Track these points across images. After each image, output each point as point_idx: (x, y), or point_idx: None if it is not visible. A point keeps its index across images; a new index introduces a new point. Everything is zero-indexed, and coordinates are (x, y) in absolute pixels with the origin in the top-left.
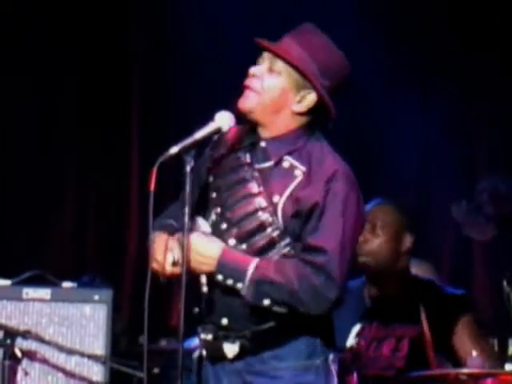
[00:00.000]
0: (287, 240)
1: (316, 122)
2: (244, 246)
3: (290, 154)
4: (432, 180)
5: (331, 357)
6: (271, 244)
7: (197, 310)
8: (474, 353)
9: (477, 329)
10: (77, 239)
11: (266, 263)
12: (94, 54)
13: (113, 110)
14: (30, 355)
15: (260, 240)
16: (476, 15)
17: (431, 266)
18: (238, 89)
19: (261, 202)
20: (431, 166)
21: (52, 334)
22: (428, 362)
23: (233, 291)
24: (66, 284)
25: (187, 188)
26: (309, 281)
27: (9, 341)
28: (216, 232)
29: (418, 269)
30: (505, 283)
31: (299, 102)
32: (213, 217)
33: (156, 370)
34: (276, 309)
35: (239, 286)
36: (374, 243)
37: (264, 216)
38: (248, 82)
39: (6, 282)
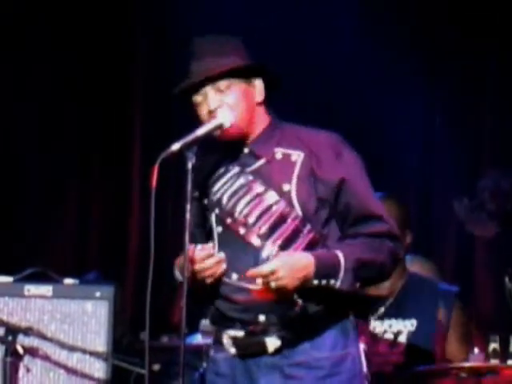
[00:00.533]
0: (308, 226)
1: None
2: (269, 243)
3: (278, 145)
4: (433, 177)
5: (362, 345)
6: (296, 232)
7: (218, 309)
8: (476, 350)
9: (464, 326)
10: (79, 237)
11: (348, 250)
12: (94, 54)
13: (114, 108)
14: (31, 352)
15: (284, 232)
16: (477, 8)
17: (433, 264)
18: None
19: (272, 196)
20: (432, 163)
21: (54, 331)
22: (428, 355)
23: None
24: (68, 281)
25: (189, 184)
26: (387, 249)
27: (10, 338)
28: (235, 239)
29: (420, 267)
30: (507, 280)
31: (256, 91)
32: (219, 229)
33: (157, 367)
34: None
35: (332, 282)
36: None
37: (280, 208)
38: (215, 114)
39: (8, 279)
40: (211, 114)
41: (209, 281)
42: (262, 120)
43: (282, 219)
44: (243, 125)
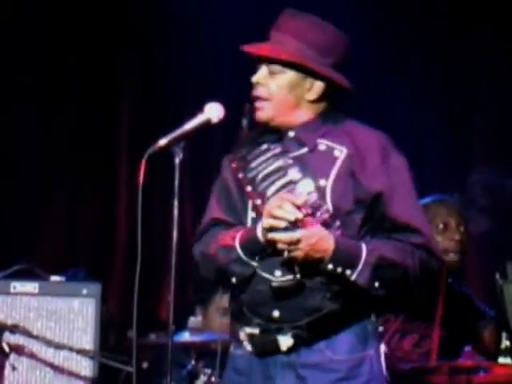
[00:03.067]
0: (338, 223)
1: (336, 102)
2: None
3: (323, 136)
4: (424, 172)
5: (382, 347)
6: (324, 226)
7: (235, 304)
8: (467, 347)
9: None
10: (66, 234)
11: (374, 245)
12: (83, 48)
13: (101, 104)
14: (17, 350)
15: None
16: (468, 6)
17: None
18: (233, 82)
19: (307, 185)
20: (423, 159)
21: (40, 329)
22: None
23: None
24: (54, 278)
25: (176, 180)
26: (418, 257)
27: None
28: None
29: None
30: (498, 276)
31: (310, 90)
32: (253, 214)
33: (145, 365)
34: (378, 291)
35: (348, 273)
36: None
37: (311, 200)
38: (255, 92)
39: None
40: (253, 85)
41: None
42: (306, 114)
43: (311, 210)
44: (277, 116)
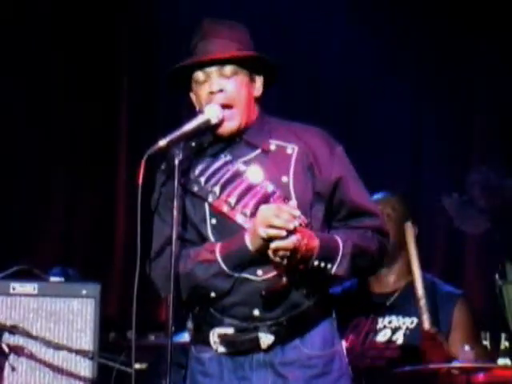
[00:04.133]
0: (308, 219)
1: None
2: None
3: (271, 136)
4: (423, 172)
5: (343, 343)
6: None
7: (202, 309)
8: (466, 347)
9: (472, 329)
10: (65, 235)
11: (345, 236)
12: (83, 49)
13: (100, 104)
14: (17, 351)
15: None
16: (465, 6)
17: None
18: None
19: (268, 186)
20: (422, 158)
21: (39, 329)
22: (421, 354)
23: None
24: (54, 278)
25: (176, 181)
26: (377, 241)
27: None
28: (231, 228)
29: None
30: (497, 276)
31: (255, 88)
32: (213, 221)
33: (144, 366)
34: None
35: (329, 266)
36: None
37: (278, 198)
38: (217, 100)
39: None
40: (211, 94)
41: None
42: (254, 113)
43: (267, 198)
44: (242, 117)
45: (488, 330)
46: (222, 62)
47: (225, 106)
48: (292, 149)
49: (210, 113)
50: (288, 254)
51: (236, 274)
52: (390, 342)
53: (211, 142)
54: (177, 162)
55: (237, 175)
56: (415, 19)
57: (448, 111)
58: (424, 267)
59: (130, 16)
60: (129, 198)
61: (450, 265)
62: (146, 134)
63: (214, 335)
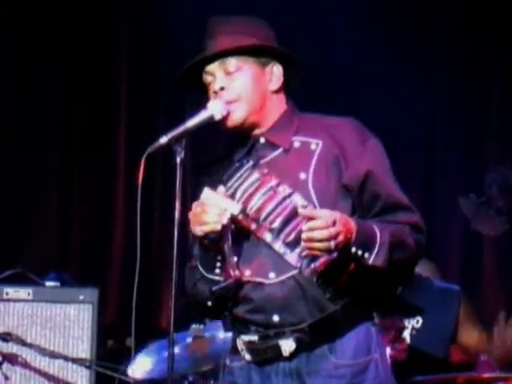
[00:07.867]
0: None
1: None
2: (281, 237)
3: (296, 133)
4: (438, 171)
5: (388, 350)
6: None
7: (232, 314)
8: (483, 357)
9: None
10: (60, 237)
11: (381, 226)
12: (79, 42)
13: (99, 100)
14: (10, 359)
15: (297, 224)
16: (479, 8)
17: (434, 265)
18: None
19: (285, 189)
20: (437, 156)
21: (34, 337)
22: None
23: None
24: (49, 283)
25: (177, 180)
26: (414, 237)
27: None
28: (247, 235)
29: (420, 268)
30: None
31: (271, 80)
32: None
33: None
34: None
35: (366, 255)
36: None
37: (294, 200)
38: (220, 97)
39: None
40: (215, 94)
41: (211, 233)
42: (277, 108)
43: (295, 212)
44: (250, 114)
45: None
46: (222, 57)
47: (230, 102)
48: (316, 144)
49: (214, 109)
50: (333, 233)
51: (216, 277)
52: (396, 342)
53: (236, 146)
54: (178, 160)
55: (256, 182)
56: (428, 16)
57: (463, 111)
58: (441, 270)
59: (131, 15)
60: (128, 199)
61: (467, 269)
62: (146, 133)
63: (240, 342)
